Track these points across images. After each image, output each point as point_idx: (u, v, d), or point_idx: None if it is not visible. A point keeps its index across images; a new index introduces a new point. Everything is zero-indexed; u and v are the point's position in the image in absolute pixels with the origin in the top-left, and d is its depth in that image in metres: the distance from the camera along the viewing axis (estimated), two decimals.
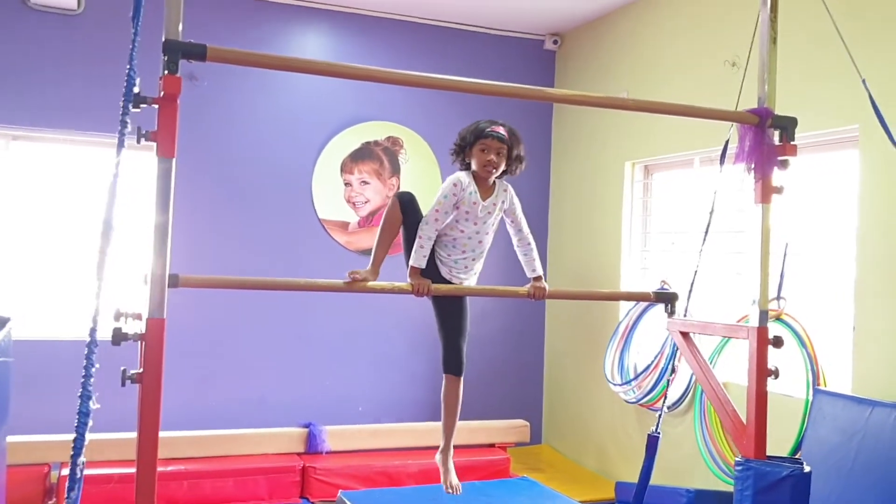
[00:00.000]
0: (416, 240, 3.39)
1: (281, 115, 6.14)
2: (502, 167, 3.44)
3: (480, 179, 3.44)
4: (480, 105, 6.47)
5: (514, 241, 3.57)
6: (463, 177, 3.44)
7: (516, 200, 3.55)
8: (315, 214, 6.20)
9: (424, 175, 6.44)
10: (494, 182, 3.48)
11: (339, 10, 6.25)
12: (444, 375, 3.61)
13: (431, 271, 3.44)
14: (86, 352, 1.97)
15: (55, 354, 5.26)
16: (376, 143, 6.35)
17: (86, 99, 5.54)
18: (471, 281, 3.56)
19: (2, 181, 5.51)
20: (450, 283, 3.48)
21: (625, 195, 5.96)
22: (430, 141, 6.48)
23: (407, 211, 3.49)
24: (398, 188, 6.36)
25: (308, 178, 6.18)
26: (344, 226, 6.26)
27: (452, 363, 3.58)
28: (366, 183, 6.33)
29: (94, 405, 1.93)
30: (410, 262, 3.37)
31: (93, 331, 1.99)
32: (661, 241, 5.79)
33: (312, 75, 5.86)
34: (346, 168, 6.27)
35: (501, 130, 3.41)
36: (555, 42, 6.80)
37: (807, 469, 3.11)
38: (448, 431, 3.68)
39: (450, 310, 3.58)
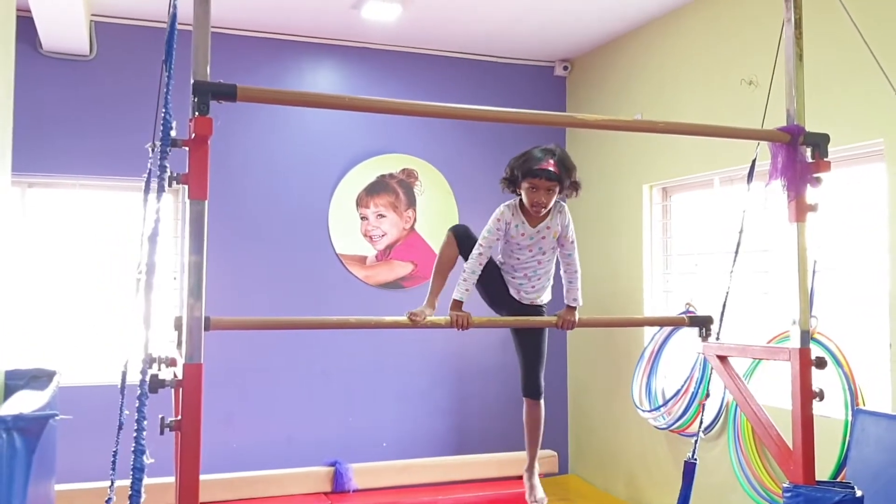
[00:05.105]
0: (462, 273, 3.40)
1: (294, 151, 6.11)
2: (552, 203, 3.41)
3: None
4: (492, 133, 6.45)
5: (562, 267, 3.58)
6: (506, 211, 3.45)
7: (571, 225, 3.54)
8: (333, 250, 6.14)
9: (440, 206, 6.41)
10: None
11: (348, 45, 6.24)
12: (524, 399, 3.72)
13: (502, 292, 3.54)
14: (137, 404, 1.91)
15: (87, 399, 5.16)
16: (391, 175, 6.32)
17: (101, 143, 5.52)
18: (543, 298, 3.63)
19: (20, 229, 5.48)
20: (520, 303, 3.56)
21: (644, 218, 5.90)
22: (445, 171, 6.45)
23: (463, 245, 3.50)
24: (415, 220, 6.32)
25: (324, 214, 6.14)
26: (362, 260, 6.22)
27: (531, 388, 3.70)
28: (382, 216, 6.29)
29: (147, 460, 1.87)
30: (454, 296, 3.35)
31: (143, 382, 1.93)
32: (682, 264, 5.73)
33: (324, 110, 5.86)
34: (361, 202, 6.23)
35: (551, 167, 3.32)
36: (565, 68, 6.78)
37: (858, 493, 3.03)
38: (532, 451, 3.80)
39: (528, 339, 3.68)
